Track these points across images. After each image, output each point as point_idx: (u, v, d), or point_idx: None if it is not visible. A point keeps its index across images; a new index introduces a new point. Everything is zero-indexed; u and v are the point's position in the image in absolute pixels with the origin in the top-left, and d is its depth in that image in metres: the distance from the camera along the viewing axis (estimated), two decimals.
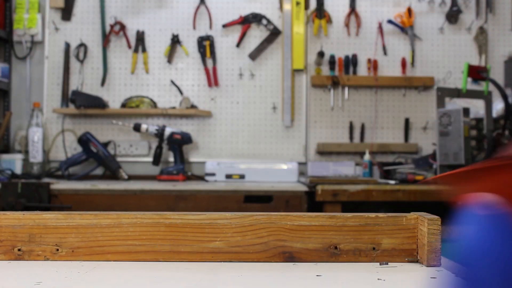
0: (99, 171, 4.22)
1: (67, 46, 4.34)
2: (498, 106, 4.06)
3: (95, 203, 3.46)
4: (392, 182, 3.66)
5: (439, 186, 1.00)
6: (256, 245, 1.27)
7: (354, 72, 4.33)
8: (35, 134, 4.10)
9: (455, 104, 3.99)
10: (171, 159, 4.23)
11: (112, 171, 4.10)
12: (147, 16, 4.38)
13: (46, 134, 4.25)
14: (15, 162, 4.11)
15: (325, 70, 4.34)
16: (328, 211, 3.42)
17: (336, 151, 4.32)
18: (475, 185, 0.88)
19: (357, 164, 4.20)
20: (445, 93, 3.73)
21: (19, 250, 1.27)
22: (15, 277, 1.15)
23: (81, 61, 4.34)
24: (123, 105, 4.27)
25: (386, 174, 4.01)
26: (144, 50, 4.35)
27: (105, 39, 4.33)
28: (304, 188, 3.57)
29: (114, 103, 4.33)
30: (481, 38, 4.38)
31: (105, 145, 4.20)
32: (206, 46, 4.33)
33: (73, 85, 4.34)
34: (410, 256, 1.27)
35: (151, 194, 3.52)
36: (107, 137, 4.32)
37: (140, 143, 4.31)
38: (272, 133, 4.36)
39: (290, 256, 1.27)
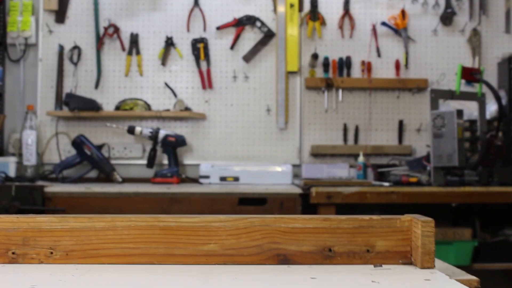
0: (93, 173, 4.21)
1: (61, 48, 4.33)
2: (491, 108, 4.07)
3: (89, 206, 3.46)
4: (386, 184, 3.67)
5: None
6: (251, 247, 1.27)
7: (348, 74, 4.34)
8: (29, 137, 4.09)
9: (448, 106, 4.00)
10: (165, 161, 4.22)
11: (106, 173, 4.10)
12: (141, 19, 4.38)
13: (40, 137, 4.24)
14: (8, 165, 4.10)
15: (319, 72, 4.35)
16: (322, 213, 3.43)
17: (330, 153, 4.33)
18: None
19: (351, 166, 4.20)
20: (438, 95, 3.74)
21: (13, 253, 1.26)
22: (9, 281, 1.15)
23: (75, 64, 4.34)
24: (117, 108, 4.27)
25: (380, 176, 4.02)
26: (138, 52, 4.35)
27: (99, 42, 4.32)
28: (298, 191, 3.57)
29: (108, 105, 4.33)
30: (475, 40, 4.39)
31: (99, 147, 4.19)
32: (200, 49, 4.33)
33: (67, 88, 4.33)
34: (404, 258, 1.28)
35: (145, 197, 3.51)
36: (101, 139, 4.32)
37: (134, 146, 4.31)
38: (266, 135, 4.36)
39: (284, 259, 1.27)
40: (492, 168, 3.67)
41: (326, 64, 4.31)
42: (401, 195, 3.46)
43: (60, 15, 4.35)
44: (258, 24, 4.35)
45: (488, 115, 4.02)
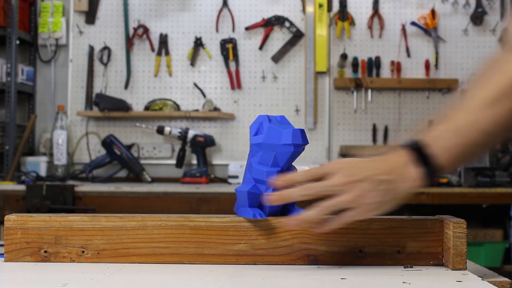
0: (122, 173, 4.24)
1: (91, 49, 4.37)
2: None
3: (119, 205, 3.48)
4: None
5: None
6: (281, 247, 1.27)
7: (377, 75, 4.32)
8: (60, 137, 4.13)
9: None
10: (194, 161, 4.24)
11: (135, 173, 4.12)
12: (170, 19, 4.40)
13: (70, 137, 4.28)
14: (40, 164, 4.15)
15: (348, 72, 4.33)
16: None
17: (359, 154, 4.30)
18: None
19: None
20: None
21: (45, 252, 1.28)
22: (41, 279, 1.16)
23: (105, 64, 4.37)
24: (147, 108, 4.29)
25: None
26: (167, 53, 4.36)
27: (129, 42, 4.35)
28: None
29: (138, 106, 4.35)
30: None
31: (129, 147, 4.22)
32: (229, 49, 4.33)
33: (97, 88, 4.36)
34: (435, 259, 1.27)
35: (174, 197, 3.53)
36: (130, 139, 4.35)
37: (163, 146, 4.33)
38: None
39: (314, 259, 1.27)
40: None
41: (355, 64, 4.29)
42: (431, 196, 3.44)
43: (90, 16, 4.39)
44: (287, 24, 4.34)
45: None
